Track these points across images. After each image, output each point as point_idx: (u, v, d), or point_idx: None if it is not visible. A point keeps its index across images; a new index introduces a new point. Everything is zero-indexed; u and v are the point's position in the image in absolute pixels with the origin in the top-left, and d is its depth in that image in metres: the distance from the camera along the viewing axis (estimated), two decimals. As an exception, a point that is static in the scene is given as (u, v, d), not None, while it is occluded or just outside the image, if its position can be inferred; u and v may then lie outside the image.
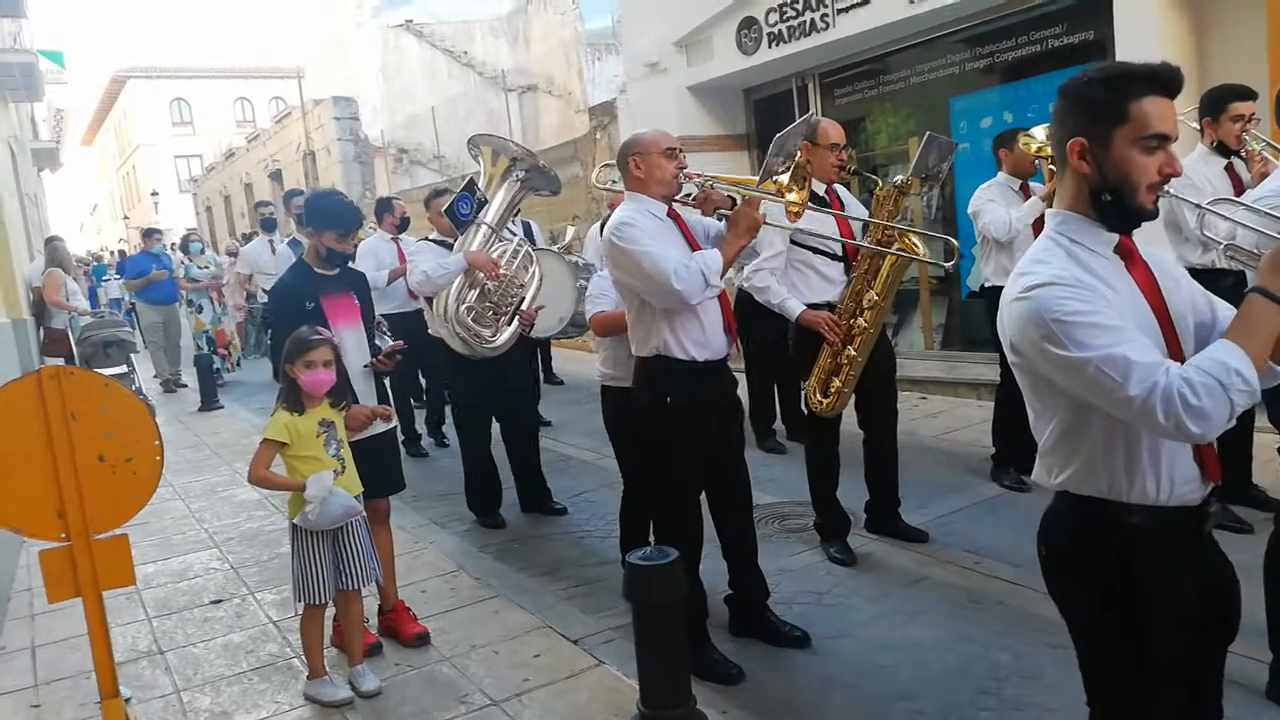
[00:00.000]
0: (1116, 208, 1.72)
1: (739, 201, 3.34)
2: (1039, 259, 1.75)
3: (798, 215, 3.37)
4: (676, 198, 3.36)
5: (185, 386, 11.17)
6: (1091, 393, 1.62)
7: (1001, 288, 5.90)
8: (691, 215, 3.44)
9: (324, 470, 3.18)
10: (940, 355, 8.06)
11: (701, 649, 3.32)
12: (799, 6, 8.25)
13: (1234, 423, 1.58)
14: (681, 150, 3.34)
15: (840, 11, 7.87)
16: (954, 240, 3.74)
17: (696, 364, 3.24)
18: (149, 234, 11.66)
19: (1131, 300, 1.71)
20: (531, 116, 20.23)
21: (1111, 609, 1.78)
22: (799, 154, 3.39)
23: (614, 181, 5.14)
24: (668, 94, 9.91)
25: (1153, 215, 1.73)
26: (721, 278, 3.17)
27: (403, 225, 7.21)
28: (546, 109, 20.09)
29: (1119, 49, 6.15)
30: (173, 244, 12.41)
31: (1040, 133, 4.89)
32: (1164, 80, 1.69)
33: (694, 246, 3.28)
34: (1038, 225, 4.87)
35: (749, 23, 8.85)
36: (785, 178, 3.28)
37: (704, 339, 3.25)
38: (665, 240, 3.19)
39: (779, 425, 6.44)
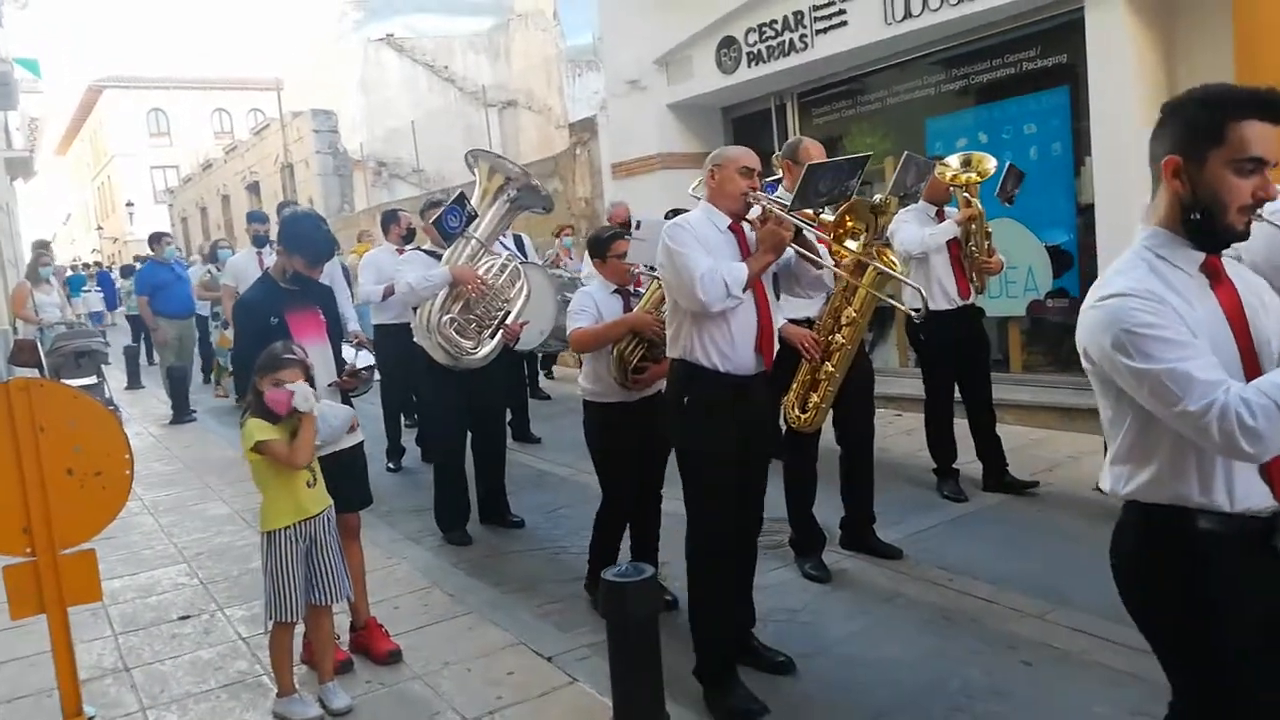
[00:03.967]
0: (1205, 227, 1.75)
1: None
2: (1119, 270, 1.78)
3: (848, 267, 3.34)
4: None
5: (194, 417, 9.75)
6: (1153, 404, 1.67)
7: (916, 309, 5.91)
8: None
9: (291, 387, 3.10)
10: (915, 372, 8.09)
11: (723, 687, 3.22)
12: (778, 26, 8.33)
13: None
14: (760, 173, 3.31)
15: (819, 32, 7.95)
16: (924, 291, 3.69)
17: (719, 374, 3.19)
18: (157, 238, 10.29)
19: (1210, 319, 1.73)
20: (512, 132, 20.26)
21: (1184, 618, 1.79)
22: (844, 202, 3.27)
23: None
24: (648, 111, 9.95)
25: (1242, 236, 1.75)
26: (745, 290, 3.12)
27: (408, 237, 7.01)
28: (527, 124, 20.14)
29: (1091, 72, 6.24)
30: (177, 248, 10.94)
31: (954, 161, 5.14)
32: (1269, 105, 1.70)
33: None
34: (954, 248, 5.06)
35: (728, 42, 8.91)
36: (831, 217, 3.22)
37: (730, 351, 3.19)
38: (716, 249, 3.17)
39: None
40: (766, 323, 3.27)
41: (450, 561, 4.93)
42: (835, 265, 3.48)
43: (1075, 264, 6.94)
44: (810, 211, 3.28)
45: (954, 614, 3.84)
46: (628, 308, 4.01)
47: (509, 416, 7.21)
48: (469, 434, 5.34)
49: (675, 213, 4.99)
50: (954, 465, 5.36)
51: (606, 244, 4.05)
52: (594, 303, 3.98)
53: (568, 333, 4.05)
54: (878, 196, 4.09)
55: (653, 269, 3.92)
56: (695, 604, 3.31)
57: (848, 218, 3.05)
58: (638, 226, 4.27)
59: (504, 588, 4.52)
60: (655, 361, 3.89)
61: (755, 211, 3.27)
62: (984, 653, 3.48)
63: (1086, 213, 6.68)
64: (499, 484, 5.51)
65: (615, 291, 4.05)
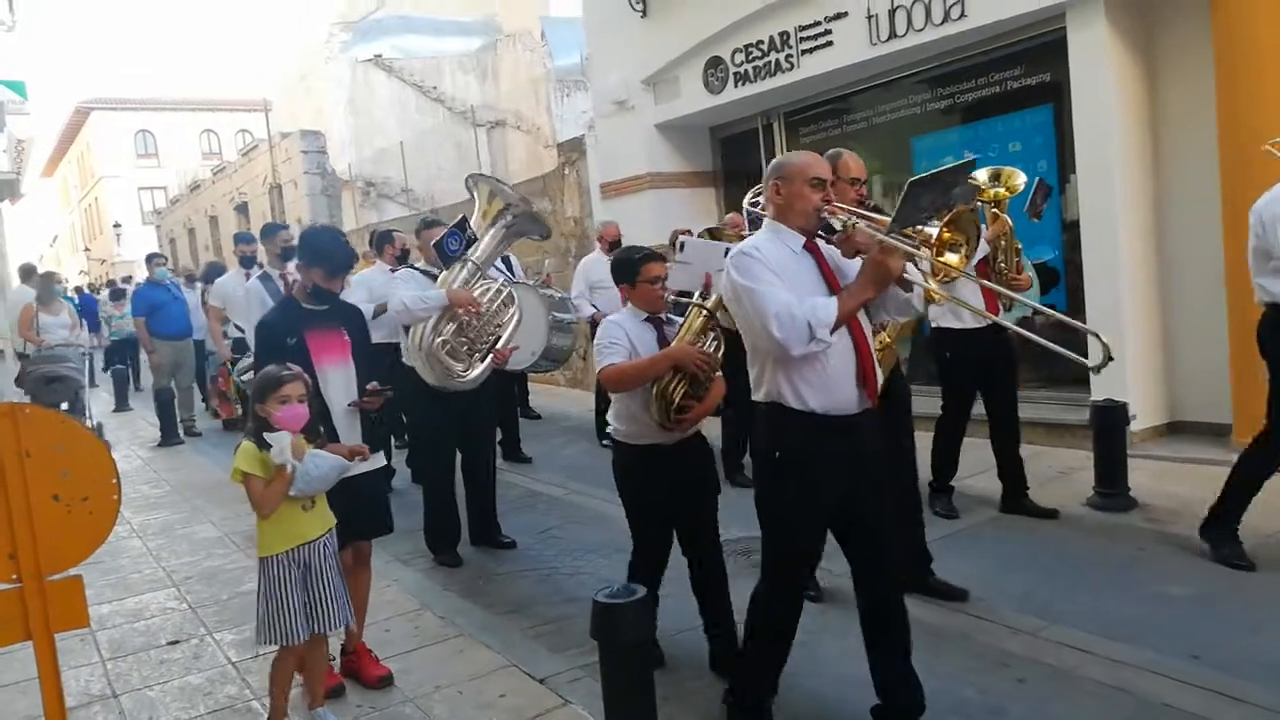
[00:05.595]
0: None
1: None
2: None
3: (948, 280, 2.79)
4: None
5: (199, 435, 9.98)
6: None
7: (946, 329, 5.76)
8: (837, 252, 2.94)
9: (282, 439, 2.99)
10: (923, 388, 8.11)
11: None
12: (764, 47, 8.39)
13: None
14: (833, 182, 2.93)
15: (805, 52, 8.01)
16: (1104, 339, 2.66)
17: (816, 416, 2.80)
18: (152, 258, 10.33)
19: None
20: (500, 151, 20.28)
21: None
22: (958, 206, 2.73)
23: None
24: (635, 131, 10.01)
25: None
26: (834, 332, 2.71)
27: (403, 257, 6.87)
28: (515, 144, 20.16)
29: (1074, 90, 6.31)
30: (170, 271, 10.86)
31: (983, 176, 4.86)
32: None
33: (834, 288, 2.83)
34: (982, 266, 4.88)
35: (715, 62, 8.98)
36: (935, 230, 2.65)
37: (826, 388, 2.79)
38: (793, 276, 2.79)
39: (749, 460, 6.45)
40: (865, 349, 2.85)
41: (441, 584, 4.91)
42: (933, 281, 2.87)
43: (1062, 280, 6.99)
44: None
45: (946, 631, 3.84)
46: (661, 338, 3.55)
47: (499, 436, 7.20)
48: (458, 455, 5.33)
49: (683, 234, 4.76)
50: (950, 483, 5.34)
51: (637, 267, 3.55)
52: (625, 334, 3.48)
53: (598, 369, 3.57)
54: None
55: (688, 294, 3.67)
56: (749, 645, 3.12)
57: (946, 230, 2.67)
58: (681, 249, 4.03)
59: (495, 610, 4.50)
60: (698, 399, 3.49)
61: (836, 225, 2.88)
62: (977, 670, 3.48)
63: (1072, 229, 6.73)
64: (489, 505, 5.49)
65: (646, 320, 3.57)
